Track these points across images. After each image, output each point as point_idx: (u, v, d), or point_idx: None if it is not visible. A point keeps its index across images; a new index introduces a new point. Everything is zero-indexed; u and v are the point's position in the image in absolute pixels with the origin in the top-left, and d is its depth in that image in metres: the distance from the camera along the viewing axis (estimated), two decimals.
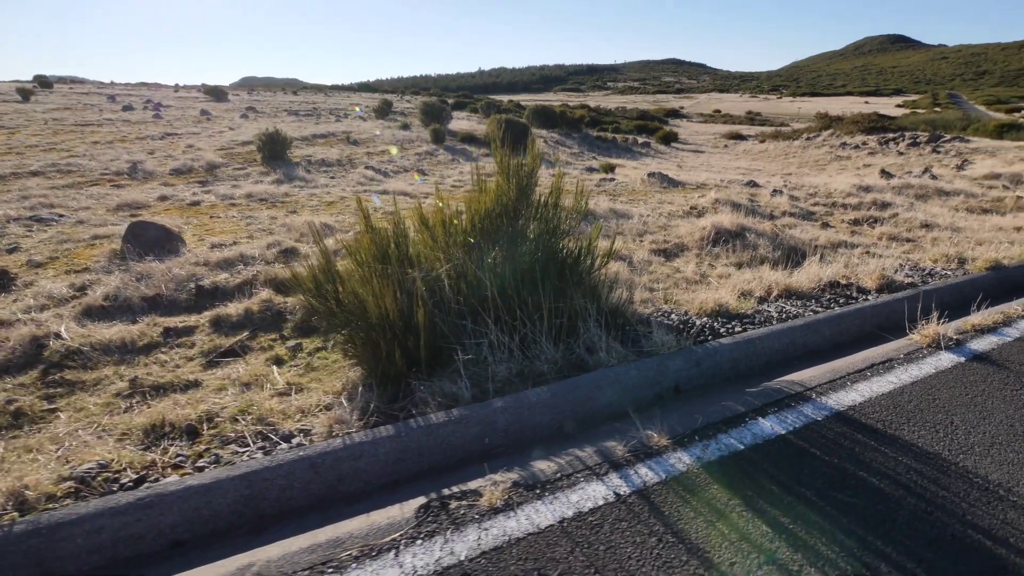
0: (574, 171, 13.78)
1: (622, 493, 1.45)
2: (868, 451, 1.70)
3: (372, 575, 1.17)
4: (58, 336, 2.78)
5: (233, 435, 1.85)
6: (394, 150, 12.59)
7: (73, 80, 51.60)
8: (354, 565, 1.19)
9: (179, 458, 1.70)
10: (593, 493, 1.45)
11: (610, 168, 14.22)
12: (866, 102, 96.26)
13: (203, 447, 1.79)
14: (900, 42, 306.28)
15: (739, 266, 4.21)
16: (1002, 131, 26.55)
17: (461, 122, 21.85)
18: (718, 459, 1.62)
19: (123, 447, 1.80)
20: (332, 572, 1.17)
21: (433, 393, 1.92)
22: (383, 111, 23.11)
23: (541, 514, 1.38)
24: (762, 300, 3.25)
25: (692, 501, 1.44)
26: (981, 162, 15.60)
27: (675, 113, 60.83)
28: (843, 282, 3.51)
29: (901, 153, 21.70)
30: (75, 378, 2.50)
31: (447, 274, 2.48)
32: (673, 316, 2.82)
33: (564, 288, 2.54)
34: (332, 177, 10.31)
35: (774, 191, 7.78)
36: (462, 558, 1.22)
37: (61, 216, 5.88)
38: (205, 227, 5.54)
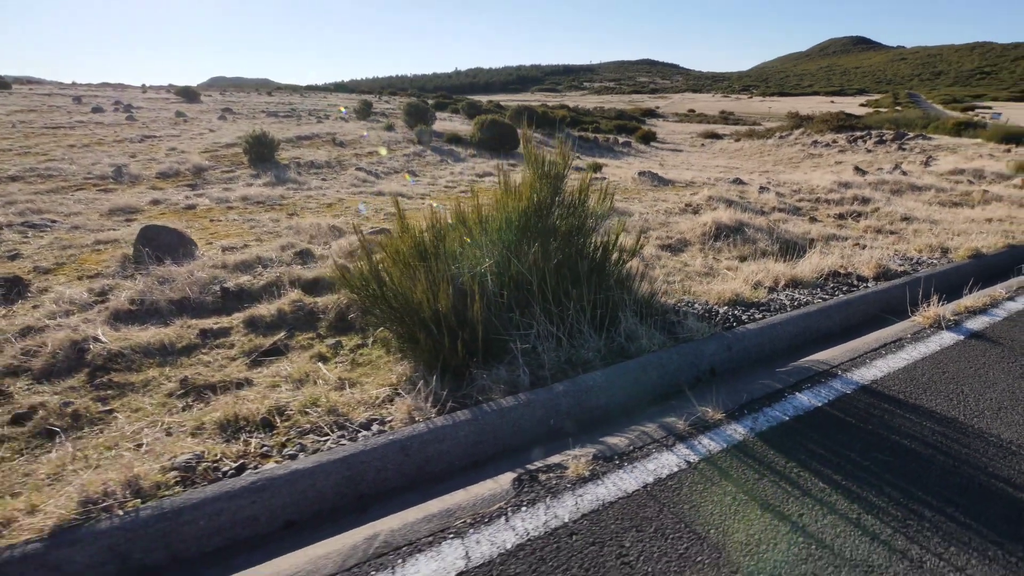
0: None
1: (692, 461, 1.61)
2: (895, 418, 1.91)
3: (490, 537, 1.29)
4: (96, 340, 2.79)
5: (308, 426, 1.94)
6: (383, 151, 12.57)
7: (30, 80, 49.21)
8: (471, 531, 1.31)
9: (264, 448, 1.77)
10: (667, 462, 1.61)
11: (597, 167, 14.47)
12: (832, 101, 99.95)
13: (283, 438, 1.87)
14: (862, 44, 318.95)
15: (742, 259, 4.45)
16: (960, 129, 28.10)
17: (444, 123, 21.87)
18: (768, 429, 1.80)
19: (203, 440, 1.87)
20: (453, 536, 1.29)
21: (496, 381, 2.04)
22: (364, 112, 22.94)
23: (625, 481, 1.52)
24: (771, 290, 3.47)
25: (754, 465, 1.61)
26: (944, 158, 16.53)
27: (651, 113, 61.94)
28: (842, 272, 3.77)
29: (869, 151, 22.74)
30: (123, 380, 2.53)
31: (489, 270, 2.60)
32: (696, 306, 3.01)
33: (600, 281, 2.70)
34: (323, 179, 10.24)
35: (761, 188, 8.13)
36: (566, 520, 1.36)
37: (54, 222, 5.75)
38: (209, 231, 5.50)
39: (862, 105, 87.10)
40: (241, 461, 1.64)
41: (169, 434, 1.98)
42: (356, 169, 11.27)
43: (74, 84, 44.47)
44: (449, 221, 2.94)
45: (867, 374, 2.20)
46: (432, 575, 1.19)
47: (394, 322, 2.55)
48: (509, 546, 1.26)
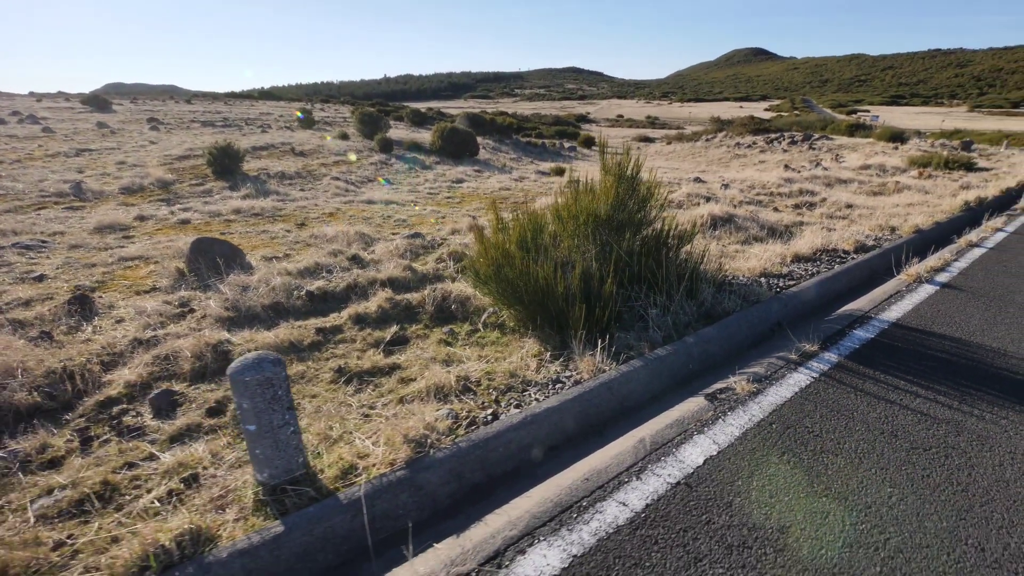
0: (530, 174, 14.66)
1: (816, 376, 2.25)
2: (924, 340, 2.69)
3: (721, 431, 1.80)
4: (228, 342, 2.95)
5: (502, 387, 2.33)
6: (353, 157, 12.57)
7: None
8: (706, 429, 1.82)
9: (483, 404, 2.16)
10: (798, 379, 2.22)
11: (560, 171, 15.34)
12: (740, 107, 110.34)
13: (489, 398, 2.26)
14: (761, 54, 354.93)
15: (744, 243, 5.30)
16: (853, 130, 32.60)
17: (394, 130, 21.80)
18: (850, 353, 2.49)
19: (425, 404, 2.20)
20: (696, 433, 1.79)
21: (639, 340, 2.56)
22: (309, 121, 22.33)
23: (779, 393, 2.11)
24: (783, 264, 4.29)
25: (854, 375, 2.27)
26: (849, 156, 19.32)
27: (584, 119, 64.91)
28: (829, 248, 4.70)
29: (785, 150, 25.78)
30: None
31: (595, 257, 3.12)
32: (741, 277, 3.71)
33: (674, 259, 3.30)
34: (302, 189, 10.12)
35: (723, 185, 9.29)
36: (760, 417, 1.91)
37: (44, 243, 5.46)
38: (230, 243, 5.50)
39: (766, 110, 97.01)
40: (483, 412, 2.02)
41: (386, 405, 2.27)
42: (331, 179, 11.20)
43: None
44: (539, 218, 3.40)
45: (891, 315, 3.00)
46: (699, 456, 1.69)
47: (518, 303, 2.98)
48: (737, 434, 1.79)
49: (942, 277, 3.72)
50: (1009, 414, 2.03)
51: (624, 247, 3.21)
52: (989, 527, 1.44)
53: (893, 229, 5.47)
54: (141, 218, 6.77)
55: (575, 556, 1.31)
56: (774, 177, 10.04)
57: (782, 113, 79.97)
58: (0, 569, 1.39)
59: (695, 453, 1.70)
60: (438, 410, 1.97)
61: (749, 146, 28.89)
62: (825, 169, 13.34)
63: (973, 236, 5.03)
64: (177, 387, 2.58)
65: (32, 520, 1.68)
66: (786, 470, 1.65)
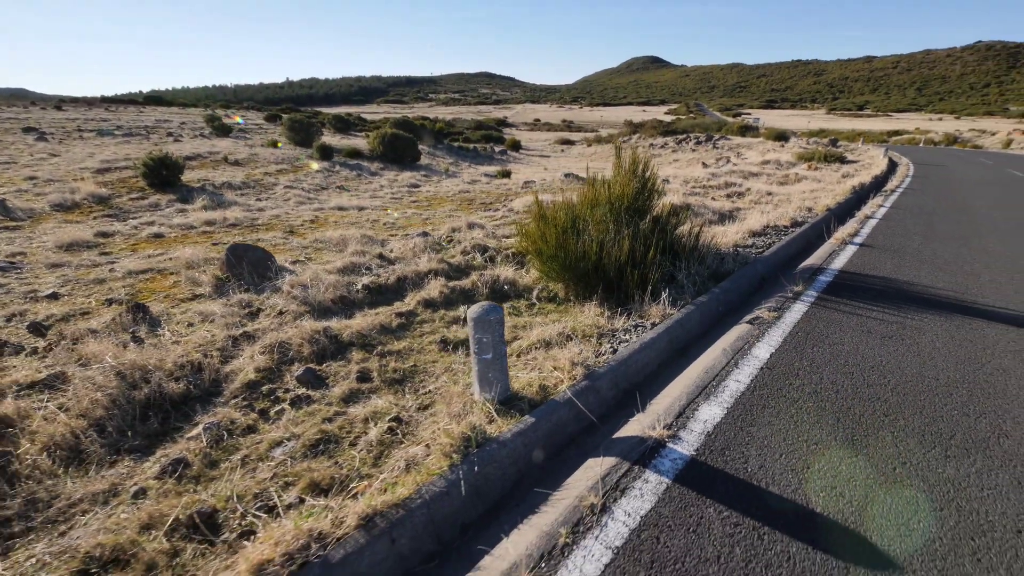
0: (479, 177, 15.28)
1: (809, 303, 3.23)
2: (867, 279, 3.82)
3: (770, 339, 2.64)
4: (327, 330, 3.30)
5: (597, 334, 3.00)
6: (315, 165, 12.39)
7: None
8: (758, 342, 2.65)
9: (595, 346, 2.82)
10: (799, 307, 3.18)
11: (506, 174, 16.15)
12: (644, 111, 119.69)
13: (592, 342, 2.91)
14: (657, 62, 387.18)
15: (703, 226, 6.42)
16: (744, 131, 37.40)
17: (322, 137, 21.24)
18: (824, 288, 3.55)
19: (558, 349, 2.80)
20: (757, 341, 2.61)
21: (681, 294, 3.38)
22: (223, 129, 21.05)
23: (792, 315, 3.05)
24: (745, 238, 5.43)
25: (833, 301, 3.28)
26: (748, 153, 22.44)
27: (503, 123, 66.62)
28: (772, 225, 5.96)
29: (693, 150, 28.98)
30: (388, 350, 3.18)
31: (630, 235, 3.89)
32: (722, 249, 4.73)
33: (678, 238, 4.20)
34: (258, 199, 9.90)
35: (663, 180, 10.67)
36: (788, 330, 2.80)
37: (12, 263, 5.19)
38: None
39: (666, 113, 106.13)
40: (602, 347, 2.69)
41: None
42: (285, 188, 11.00)
43: None
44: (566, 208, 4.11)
45: (837, 265, 4.16)
46: (766, 353, 2.52)
47: (574, 276, 3.67)
48: (780, 340, 2.66)
49: (858, 239, 5.06)
50: (927, 315, 3.13)
51: (641, 228, 4.03)
52: (925, 364, 2.43)
53: (810, 209, 6.96)
54: (103, 234, 6.45)
55: (727, 408, 2.06)
56: (702, 172, 11.70)
57: (680, 116, 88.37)
58: (314, 482, 1.80)
59: (763, 352, 2.52)
60: (576, 349, 2.60)
61: (662, 147, 31.95)
62: (735, 165, 15.58)
63: (867, 211, 6.63)
64: (311, 365, 2.92)
65: (279, 460, 2.04)
66: (817, 352, 2.54)
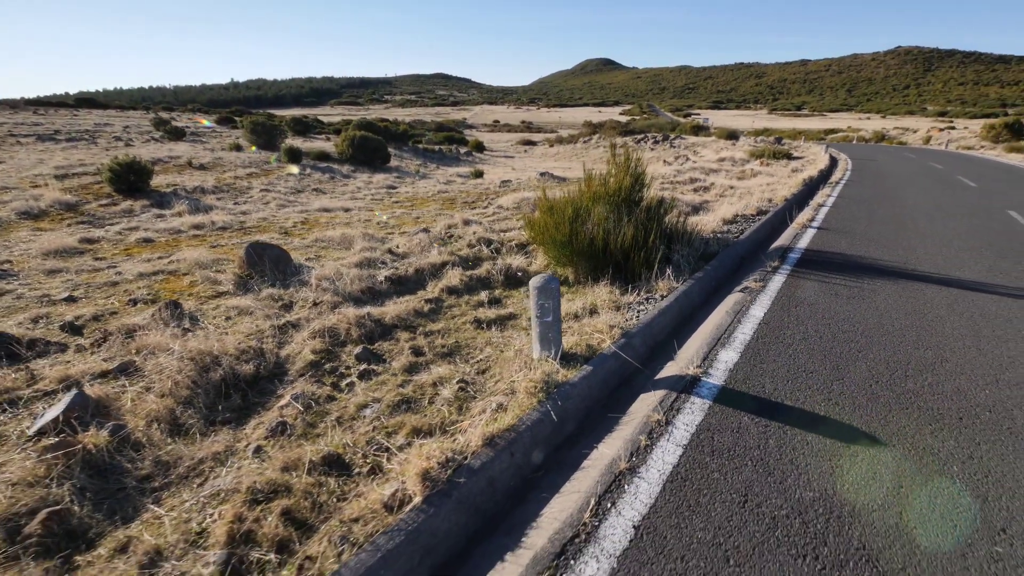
0: (453, 178, 15.56)
1: (786, 275, 3.83)
2: (824, 254, 4.49)
3: (762, 302, 3.18)
4: (368, 315, 3.60)
5: (615, 308, 3.45)
6: (294, 168, 12.32)
7: None
8: (752, 305, 3.19)
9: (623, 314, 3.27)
10: (779, 278, 3.78)
11: (479, 174, 16.51)
12: (600, 111, 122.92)
13: (619, 313, 3.36)
14: (609, 65, 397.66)
15: (682, 216, 7.07)
16: (696, 130, 39.42)
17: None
18: (795, 263, 4.17)
19: (577, 323, 3.22)
20: (751, 304, 3.15)
21: (680, 272, 3.90)
22: (176, 132, 20.32)
23: (774, 285, 3.63)
24: (720, 224, 6.08)
25: (805, 272, 3.89)
26: (703, 151, 23.84)
27: (462, 124, 66.74)
28: (741, 214, 6.66)
29: (652, 148, 30.32)
30: (429, 330, 3.51)
31: (629, 224, 4.39)
32: (705, 234, 5.33)
33: (668, 225, 4.75)
34: (236, 203, 9.83)
35: None
36: (774, 295, 3.36)
37: (5, 271, 5.16)
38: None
39: (622, 114, 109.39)
40: (627, 315, 3.14)
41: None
42: (261, 191, 10.92)
43: None
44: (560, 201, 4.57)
45: (802, 245, 4.84)
46: (760, 312, 3.06)
47: (583, 260, 4.12)
48: (769, 302, 3.21)
49: (815, 224, 5.82)
50: (879, 281, 3.81)
51: (639, 217, 4.55)
52: (883, 316, 3.06)
53: (770, 200, 7.77)
54: (88, 240, 6.38)
55: (740, 352, 2.56)
56: (667, 170, 12.53)
57: (635, 117, 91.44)
58: (416, 427, 2.14)
59: (758, 312, 3.07)
60: (607, 317, 3.04)
61: (622, 146, 33.13)
62: (694, 162, 16.63)
63: (818, 200, 7.49)
64: (364, 346, 3.21)
65: (371, 417, 2.36)
66: (800, 311, 3.12)
